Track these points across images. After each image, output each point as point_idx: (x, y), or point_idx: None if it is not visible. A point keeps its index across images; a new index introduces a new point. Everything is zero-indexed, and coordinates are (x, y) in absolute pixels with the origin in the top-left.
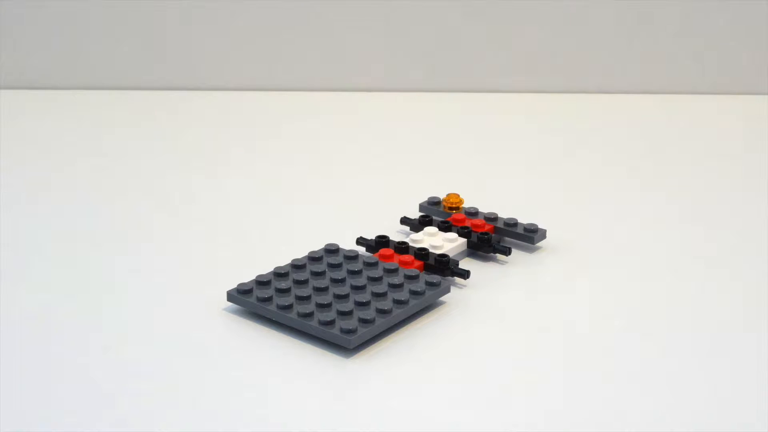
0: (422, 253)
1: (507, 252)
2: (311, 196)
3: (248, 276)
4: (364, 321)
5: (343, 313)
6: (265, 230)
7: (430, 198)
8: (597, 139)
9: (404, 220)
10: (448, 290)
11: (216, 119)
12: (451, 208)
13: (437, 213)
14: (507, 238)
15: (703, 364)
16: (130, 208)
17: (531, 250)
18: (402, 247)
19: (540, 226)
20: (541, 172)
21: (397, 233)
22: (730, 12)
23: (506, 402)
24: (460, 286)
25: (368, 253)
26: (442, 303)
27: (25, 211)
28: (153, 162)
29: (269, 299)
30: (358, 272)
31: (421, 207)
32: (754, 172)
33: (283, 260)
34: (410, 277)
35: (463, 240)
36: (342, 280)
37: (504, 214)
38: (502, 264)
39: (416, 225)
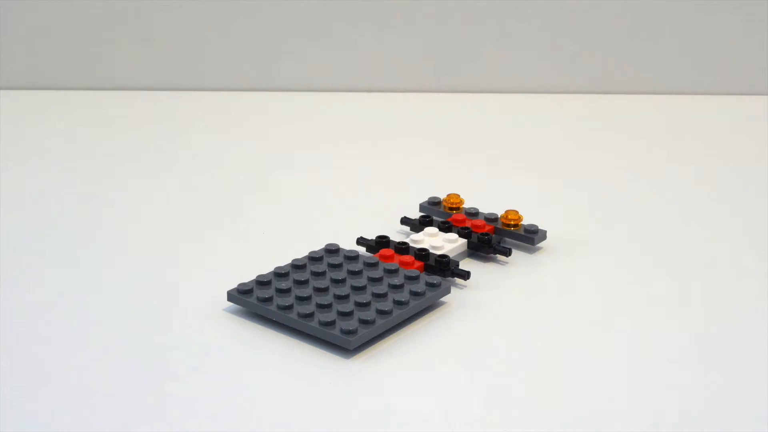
0: (422, 254)
1: (507, 253)
2: (311, 196)
3: (248, 276)
4: (364, 322)
5: (343, 314)
6: (266, 230)
7: (430, 198)
8: (597, 139)
9: (404, 221)
10: (448, 291)
11: (216, 119)
12: (451, 209)
13: (438, 213)
14: (507, 239)
15: (704, 363)
16: (130, 208)
17: (531, 251)
18: (402, 248)
19: (540, 227)
20: (541, 173)
21: (397, 233)
22: (729, 12)
23: (507, 402)
24: (461, 287)
25: (368, 254)
26: (442, 304)
27: (25, 211)
28: (153, 162)
29: (269, 299)
30: (359, 273)
31: (422, 207)
32: (754, 172)
33: (284, 260)
34: (410, 278)
35: (464, 240)
36: (342, 281)
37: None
38: (502, 265)
39: (416, 225)
